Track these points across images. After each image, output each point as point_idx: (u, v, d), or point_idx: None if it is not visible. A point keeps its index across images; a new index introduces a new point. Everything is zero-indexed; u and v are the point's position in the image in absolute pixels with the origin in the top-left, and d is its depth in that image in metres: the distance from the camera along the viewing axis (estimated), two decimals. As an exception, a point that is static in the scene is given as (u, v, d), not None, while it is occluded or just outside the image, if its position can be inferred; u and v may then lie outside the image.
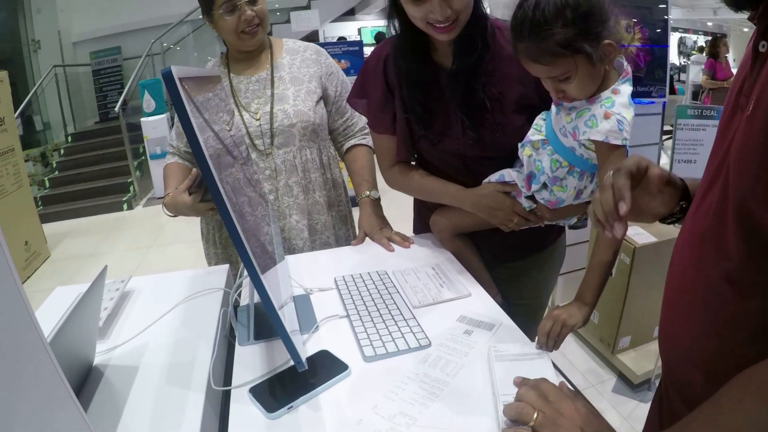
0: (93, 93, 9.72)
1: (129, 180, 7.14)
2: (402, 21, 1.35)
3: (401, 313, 1.22)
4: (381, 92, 1.50)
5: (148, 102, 6.89)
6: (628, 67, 1.19)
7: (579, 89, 1.14)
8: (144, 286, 1.48)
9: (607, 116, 1.11)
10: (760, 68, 0.64)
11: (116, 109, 7.06)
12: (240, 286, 1.41)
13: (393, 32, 1.41)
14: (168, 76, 0.71)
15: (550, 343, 1.09)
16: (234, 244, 0.74)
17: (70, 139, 8.68)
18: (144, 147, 7.10)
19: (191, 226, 5.24)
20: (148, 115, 6.91)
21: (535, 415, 0.81)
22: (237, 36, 1.66)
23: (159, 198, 6.92)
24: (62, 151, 8.34)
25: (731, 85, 0.73)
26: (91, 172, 7.60)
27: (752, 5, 0.67)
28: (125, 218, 6.53)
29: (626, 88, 1.15)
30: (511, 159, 1.38)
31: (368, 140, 1.91)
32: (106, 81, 9.63)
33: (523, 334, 1.14)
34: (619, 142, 1.11)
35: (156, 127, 6.83)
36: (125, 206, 6.78)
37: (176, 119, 1.85)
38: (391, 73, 1.47)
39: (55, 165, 7.99)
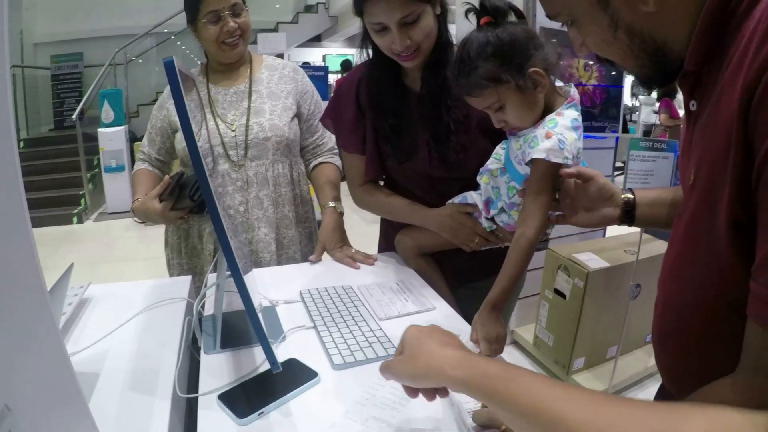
0: (50, 98, 9.49)
1: (81, 192, 6.96)
2: (374, 47, 1.41)
3: (367, 324, 1.24)
4: (353, 113, 1.54)
5: (107, 112, 6.76)
6: (575, 94, 1.25)
7: (516, 117, 1.20)
8: (103, 294, 1.45)
9: (548, 136, 1.16)
10: (693, 126, 0.70)
11: (74, 117, 6.90)
12: (204, 296, 1.40)
13: (366, 57, 1.47)
14: (170, 66, 0.72)
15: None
16: (220, 244, 0.74)
17: (22, 144, 8.42)
18: (99, 159, 6.95)
19: (143, 243, 5.19)
20: (106, 126, 6.77)
21: None
22: (218, 46, 1.69)
23: (111, 213, 6.77)
24: (12, 158, 8.09)
25: (682, 145, 0.79)
26: (42, 182, 7.36)
27: (661, 85, 0.77)
28: (75, 232, 6.35)
29: (570, 113, 1.20)
30: (475, 180, 1.42)
31: (335, 159, 1.95)
32: (64, 87, 9.42)
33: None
34: (560, 161, 1.14)
35: (113, 139, 6.69)
36: (75, 219, 6.59)
37: (149, 125, 1.85)
38: (364, 95, 1.52)
39: (3, 172, 7.74)
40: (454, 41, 1.43)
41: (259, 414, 0.93)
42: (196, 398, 1.00)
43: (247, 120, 1.74)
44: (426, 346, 0.72)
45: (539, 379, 0.60)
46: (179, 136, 1.77)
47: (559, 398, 0.56)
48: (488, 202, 1.36)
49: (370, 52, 1.45)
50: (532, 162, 1.19)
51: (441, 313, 1.35)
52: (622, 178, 2.55)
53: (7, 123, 0.47)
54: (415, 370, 0.72)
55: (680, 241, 0.75)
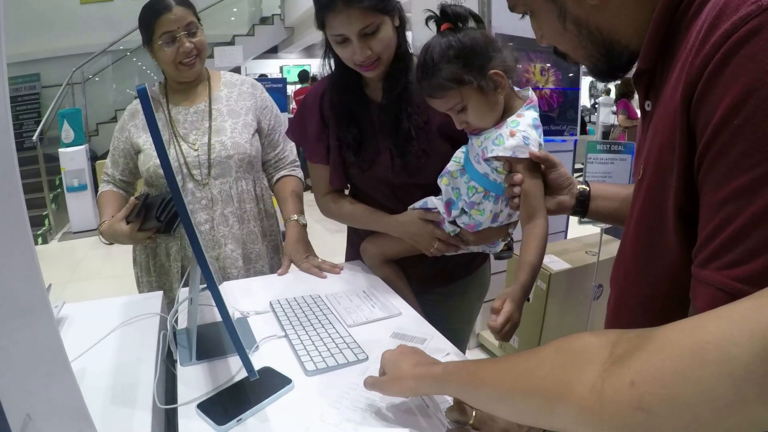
0: (9, 121, 9.31)
1: (44, 213, 6.84)
2: (336, 59, 1.47)
3: (337, 331, 1.29)
4: (317, 124, 1.59)
5: (67, 132, 6.66)
6: (533, 96, 1.31)
7: (478, 118, 1.25)
8: (78, 312, 1.47)
9: (512, 134, 1.22)
10: (647, 126, 0.74)
11: (34, 138, 6.78)
12: (177, 311, 1.43)
13: (329, 70, 1.53)
14: (143, 93, 0.76)
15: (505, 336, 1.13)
16: (195, 257, 0.79)
17: (-20, 168, 8.24)
18: (61, 179, 6.84)
19: (108, 261, 5.10)
20: (67, 146, 6.68)
21: (474, 413, 0.89)
22: (175, 67, 1.71)
23: (75, 232, 6.68)
24: (-29, 182, 7.90)
25: (637, 146, 0.83)
26: (3, 205, 7.22)
27: (615, 77, 0.81)
28: (40, 252, 6.06)
29: (530, 113, 1.27)
30: (436, 187, 1.47)
31: (297, 172, 2.00)
32: (22, 109, 9.21)
33: (454, 347, 1.23)
34: (525, 156, 1.20)
35: (74, 158, 6.60)
36: (40, 240, 6.48)
37: (111, 147, 1.87)
38: (327, 106, 1.57)
39: (-38, 196, 7.55)
40: (412, 49, 1.50)
41: (237, 421, 0.97)
42: (176, 409, 1.04)
43: (209, 139, 1.76)
44: (402, 370, 0.90)
45: (474, 363, 0.77)
46: (143, 158, 1.79)
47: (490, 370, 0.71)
48: (449, 204, 1.41)
49: (333, 63, 1.51)
50: (503, 163, 1.24)
51: (407, 317, 1.40)
52: (580, 179, 2.66)
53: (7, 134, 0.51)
54: (402, 390, 0.91)
55: (632, 239, 0.77)
